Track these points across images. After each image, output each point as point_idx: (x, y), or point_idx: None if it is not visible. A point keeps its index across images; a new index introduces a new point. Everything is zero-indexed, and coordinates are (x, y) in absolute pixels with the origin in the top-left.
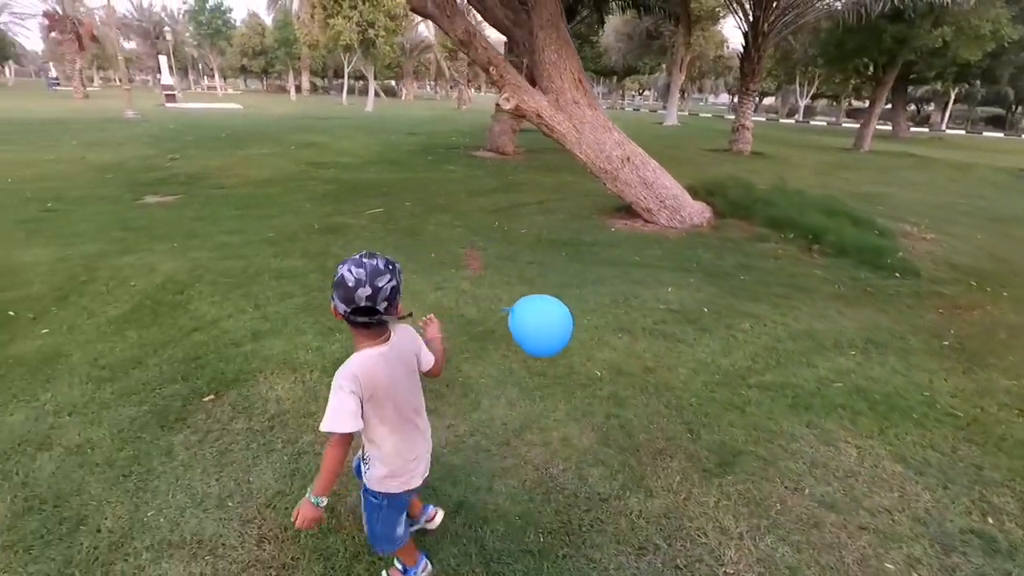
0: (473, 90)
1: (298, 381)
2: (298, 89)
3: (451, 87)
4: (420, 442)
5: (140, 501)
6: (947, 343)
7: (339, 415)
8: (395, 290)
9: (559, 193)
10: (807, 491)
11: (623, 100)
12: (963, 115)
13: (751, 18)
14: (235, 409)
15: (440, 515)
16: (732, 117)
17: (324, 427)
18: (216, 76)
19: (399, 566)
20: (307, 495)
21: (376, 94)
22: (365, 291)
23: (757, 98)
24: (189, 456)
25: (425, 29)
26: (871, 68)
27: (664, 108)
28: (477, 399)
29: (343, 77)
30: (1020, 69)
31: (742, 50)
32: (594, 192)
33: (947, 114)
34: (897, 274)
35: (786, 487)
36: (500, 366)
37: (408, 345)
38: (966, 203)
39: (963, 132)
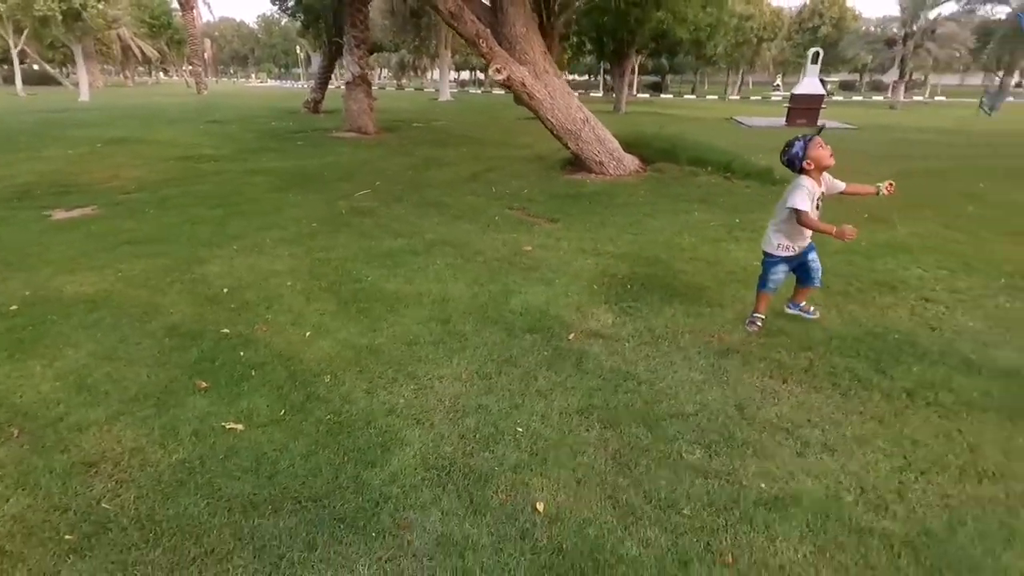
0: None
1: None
2: None
3: (149, 71)
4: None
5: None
6: (867, 215)
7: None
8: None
9: (482, 161)
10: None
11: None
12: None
13: None
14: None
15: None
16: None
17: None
18: None
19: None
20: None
21: (86, 83)
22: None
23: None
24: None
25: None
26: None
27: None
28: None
29: None
30: (695, 44)
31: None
32: (509, 157)
33: (636, 82)
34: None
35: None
36: (687, 279)
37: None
38: (738, 140)
39: (647, 96)
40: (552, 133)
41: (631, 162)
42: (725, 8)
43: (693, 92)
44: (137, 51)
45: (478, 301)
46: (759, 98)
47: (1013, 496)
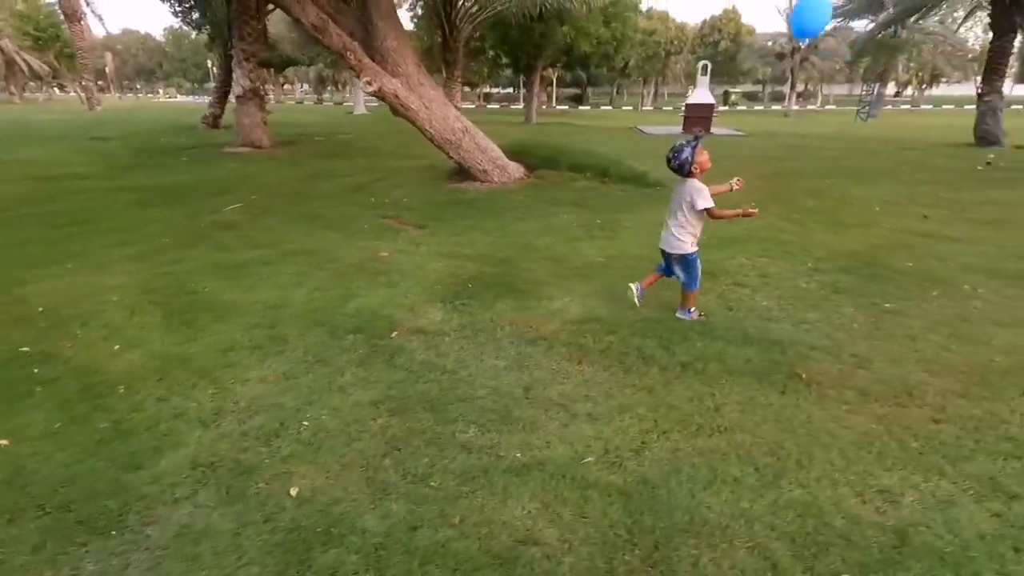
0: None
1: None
2: None
3: (42, 86)
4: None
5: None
6: None
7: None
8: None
9: (373, 172)
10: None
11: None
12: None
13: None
14: (426, 337)
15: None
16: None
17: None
18: None
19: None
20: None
21: None
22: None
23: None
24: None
25: None
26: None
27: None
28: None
29: None
30: (603, 57)
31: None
32: (402, 167)
33: (555, 94)
34: (658, 187)
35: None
36: (529, 276)
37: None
38: (634, 148)
39: (566, 108)
40: (433, 143)
41: (516, 170)
42: (628, 23)
43: (611, 103)
44: (23, 65)
45: (312, 306)
46: (671, 108)
47: (732, 445)
